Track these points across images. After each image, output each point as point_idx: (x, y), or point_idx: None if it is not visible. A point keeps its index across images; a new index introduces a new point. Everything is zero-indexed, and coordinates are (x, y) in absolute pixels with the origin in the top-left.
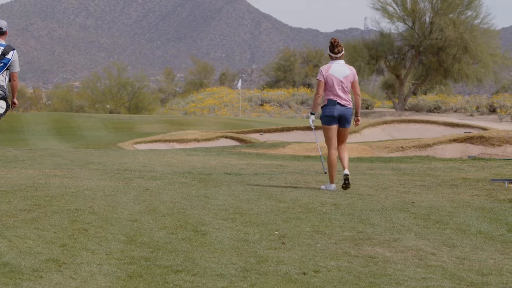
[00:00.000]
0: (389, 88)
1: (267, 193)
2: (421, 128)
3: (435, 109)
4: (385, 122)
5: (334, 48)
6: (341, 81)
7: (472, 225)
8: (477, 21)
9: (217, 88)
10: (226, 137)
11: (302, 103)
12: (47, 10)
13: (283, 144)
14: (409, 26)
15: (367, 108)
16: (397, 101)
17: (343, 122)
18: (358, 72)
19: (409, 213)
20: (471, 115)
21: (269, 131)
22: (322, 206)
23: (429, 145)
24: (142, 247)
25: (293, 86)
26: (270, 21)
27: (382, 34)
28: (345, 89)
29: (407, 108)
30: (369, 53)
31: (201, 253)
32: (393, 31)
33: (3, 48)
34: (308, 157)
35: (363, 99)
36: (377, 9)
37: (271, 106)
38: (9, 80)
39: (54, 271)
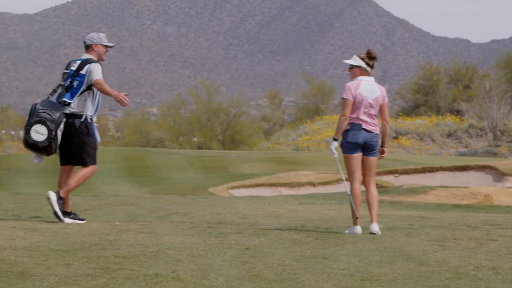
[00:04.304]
0: None
1: (405, 253)
2: None
3: None
4: None
5: (370, 60)
6: (370, 103)
7: None
8: None
9: (337, 116)
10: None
11: (449, 135)
12: (115, 14)
13: (424, 189)
14: None
15: None
16: None
17: (369, 150)
18: None
19: None
20: None
21: (406, 172)
22: (477, 271)
23: None
24: None
25: (437, 113)
26: (406, 28)
27: None
28: (372, 112)
29: None
30: None
31: None
32: None
33: (79, 62)
34: (458, 206)
35: None
36: None
37: (408, 139)
38: (94, 99)
39: None
